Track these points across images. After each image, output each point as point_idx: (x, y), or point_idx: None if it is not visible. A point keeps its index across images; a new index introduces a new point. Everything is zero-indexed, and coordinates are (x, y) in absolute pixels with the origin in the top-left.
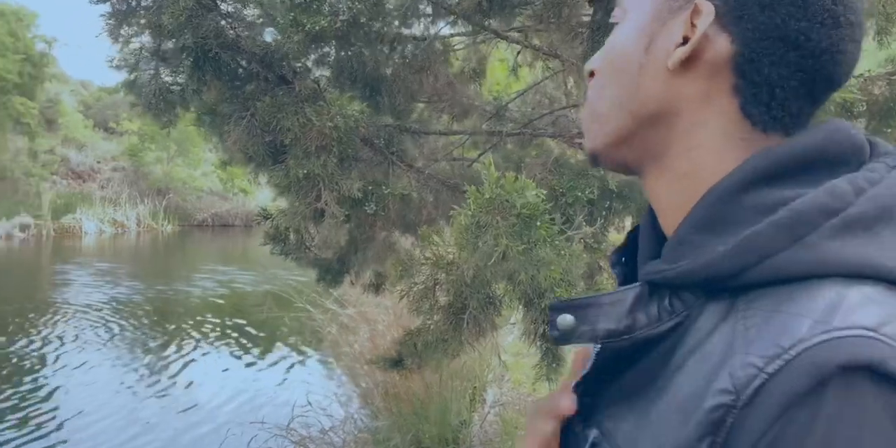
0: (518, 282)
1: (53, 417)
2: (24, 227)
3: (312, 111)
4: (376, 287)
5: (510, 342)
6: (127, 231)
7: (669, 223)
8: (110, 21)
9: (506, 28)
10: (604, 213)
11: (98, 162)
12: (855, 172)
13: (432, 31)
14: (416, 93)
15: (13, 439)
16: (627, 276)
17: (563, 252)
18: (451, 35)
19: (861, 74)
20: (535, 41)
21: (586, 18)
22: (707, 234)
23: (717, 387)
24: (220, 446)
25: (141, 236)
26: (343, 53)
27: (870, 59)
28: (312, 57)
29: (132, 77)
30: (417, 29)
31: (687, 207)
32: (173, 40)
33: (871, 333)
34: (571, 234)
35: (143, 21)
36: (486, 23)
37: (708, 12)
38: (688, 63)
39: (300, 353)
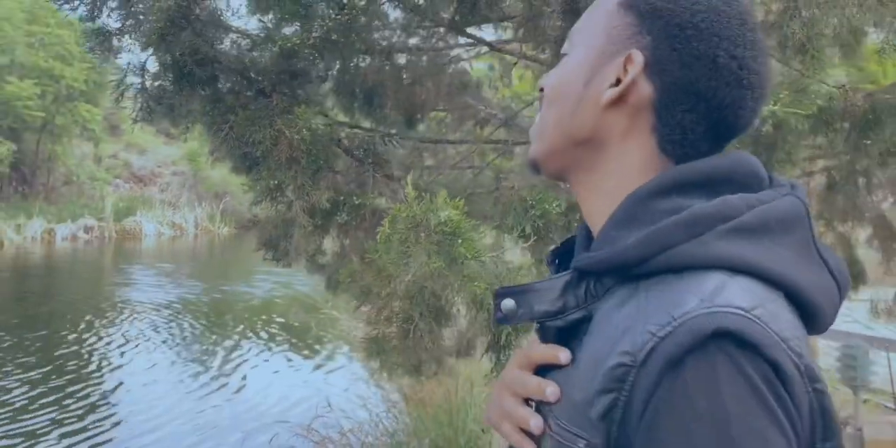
0: (457, 291)
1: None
2: (87, 229)
3: (283, 123)
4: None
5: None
6: (185, 233)
7: (596, 226)
8: (99, 38)
9: (498, 40)
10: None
11: (158, 166)
12: (743, 194)
13: (426, 44)
14: (415, 103)
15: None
16: (560, 272)
17: (496, 266)
18: (443, 48)
19: (843, 86)
20: (528, 52)
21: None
22: (622, 230)
23: (620, 349)
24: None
25: (198, 238)
26: (341, 66)
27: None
28: (317, 69)
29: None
30: (412, 41)
31: (605, 215)
32: (154, 56)
33: (743, 312)
34: (508, 248)
35: (126, 37)
36: (459, 27)
37: (638, 62)
38: (617, 101)
39: (339, 355)
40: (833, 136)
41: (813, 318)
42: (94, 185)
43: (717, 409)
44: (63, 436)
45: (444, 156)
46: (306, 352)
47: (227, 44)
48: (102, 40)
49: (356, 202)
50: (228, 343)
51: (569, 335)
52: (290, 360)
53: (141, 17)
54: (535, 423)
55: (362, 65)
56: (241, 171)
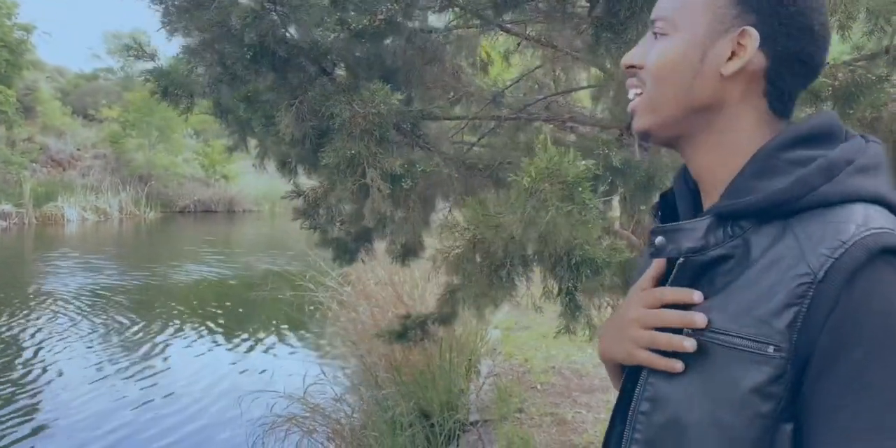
0: (553, 241)
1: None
2: (5, 216)
3: (358, 99)
4: (403, 257)
5: (500, 318)
6: (109, 218)
7: (708, 180)
8: (168, 16)
9: (505, 21)
10: (606, 187)
11: (78, 149)
12: (845, 143)
13: (436, 23)
14: (423, 82)
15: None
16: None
17: (591, 216)
18: (455, 27)
19: (827, 62)
20: (531, 32)
21: (582, 10)
22: (759, 180)
23: (798, 272)
24: (242, 415)
25: (124, 223)
26: (371, 48)
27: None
28: (342, 52)
29: (158, 66)
30: (420, 22)
31: (725, 167)
32: (233, 37)
33: (893, 231)
34: (595, 201)
35: (206, 18)
36: (490, 15)
37: (755, 37)
38: (735, 72)
39: (300, 331)
40: (821, 105)
41: None
42: (10, 169)
43: (892, 306)
44: None
45: (437, 129)
46: (281, 328)
47: (297, 26)
48: (174, 19)
49: (419, 169)
50: (211, 326)
51: (707, 269)
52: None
53: None
54: (689, 343)
55: (393, 46)
56: (302, 145)
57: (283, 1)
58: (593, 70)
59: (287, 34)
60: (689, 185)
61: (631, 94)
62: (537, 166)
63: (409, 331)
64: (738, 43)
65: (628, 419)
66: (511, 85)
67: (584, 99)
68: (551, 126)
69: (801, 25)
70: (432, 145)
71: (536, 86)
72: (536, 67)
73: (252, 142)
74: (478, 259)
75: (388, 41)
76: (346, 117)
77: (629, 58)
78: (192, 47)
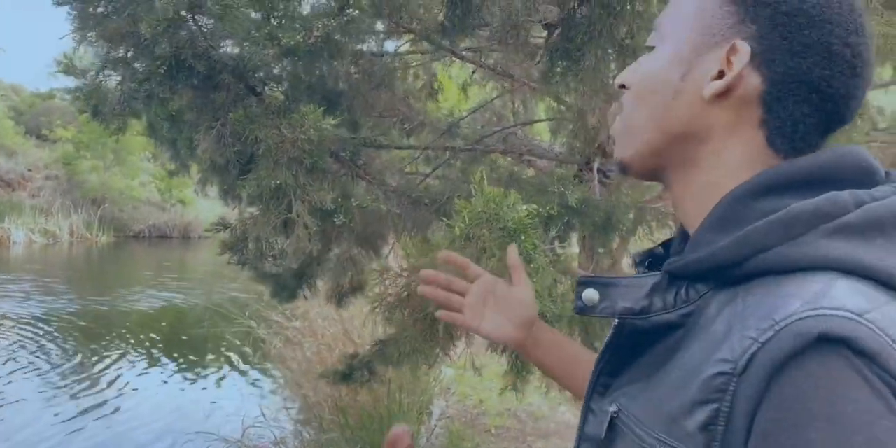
0: None
1: None
2: None
3: (286, 123)
4: (339, 298)
5: (456, 356)
6: (59, 241)
7: (693, 227)
8: (76, 25)
9: (460, 48)
10: (561, 228)
11: (29, 170)
12: (839, 192)
13: (387, 47)
14: (371, 108)
15: None
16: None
17: (539, 266)
18: (408, 52)
19: None
20: (488, 61)
21: (540, 40)
22: (718, 232)
23: (718, 357)
24: None
25: (74, 247)
26: (306, 67)
27: None
28: (275, 70)
29: (85, 83)
30: (372, 45)
31: (701, 213)
32: (145, 48)
33: (855, 316)
34: (545, 248)
35: (112, 27)
36: (444, 42)
37: (745, 52)
38: (721, 95)
39: (243, 367)
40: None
41: None
42: None
43: (834, 414)
44: None
45: (388, 160)
46: (222, 364)
47: (220, 39)
48: (81, 28)
49: (354, 203)
50: (133, 358)
51: (649, 338)
52: (192, 373)
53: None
54: None
55: (334, 68)
56: (228, 173)
57: (203, 10)
58: (551, 102)
59: (210, 48)
60: (685, 233)
61: (617, 119)
62: (472, 210)
63: (355, 371)
64: (728, 59)
65: None
66: (467, 115)
67: (542, 132)
68: (509, 159)
69: (810, 42)
70: (375, 177)
71: (495, 118)
72: (494, 98)
73: (195, 165)
74: (411, 310)
75: (333, 63)
76: (273, 143)
77: (620, 77)
78: (103, 60)
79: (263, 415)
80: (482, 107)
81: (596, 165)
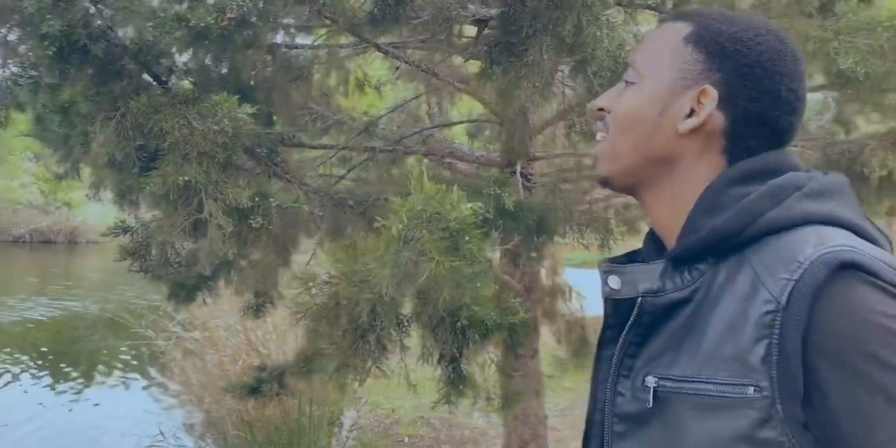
0: (433, 300)
1: None
2: None
3: (196, 113)
4: (257, 308)
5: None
6: None
7: (666, 231)
8: None
9: (384, 43)
10: (500, 233)
11: None
12: (794, 172)
13: (304, 40)
14: (287, 103)
15: None
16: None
17: (480, 270)
18: (326, 45)
19: None
20: (413, 58)
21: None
22: (707, 216)
23: (760, 300)
24: None
25: None
26: (218, 56)
27: None
28: (185, 57)
29: None
30: (286, 38)
31: (678, 218)
32: (31, 27)
33: (856, 249)
34: (485, 252)
35: None
36: (368, 36)
37: (714, 97)
38: (692, 130)
39: (139, 382)
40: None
41: None
42: None
43: (869, 318)
44: None
45: (301, 159)
46: (116, 378)
47: (121, 19)
48: None
49: (273, 203)
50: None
51: (663, 316)
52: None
53: None
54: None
55: (249, 58)
56: (129, 170)
57: None
58: (468, 105)
59: (108, 28)
60: (654, 239)
61: (599, 137)
62: (411, 209)
63: (263, 384)
64: (698, 101)
65: None
66: (386, 114)
67: (459, 135)
68: (428, 161)
69: (765, 89)
70: (293, 176)
71: (410, 119)
72: (415, 97)
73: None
74: (342, 320)
75: (248, 51)
76: (180, 135)
77: (600, 100)
78: None
79: (162, 433)
80: (401, 106)
81: (519, 169)
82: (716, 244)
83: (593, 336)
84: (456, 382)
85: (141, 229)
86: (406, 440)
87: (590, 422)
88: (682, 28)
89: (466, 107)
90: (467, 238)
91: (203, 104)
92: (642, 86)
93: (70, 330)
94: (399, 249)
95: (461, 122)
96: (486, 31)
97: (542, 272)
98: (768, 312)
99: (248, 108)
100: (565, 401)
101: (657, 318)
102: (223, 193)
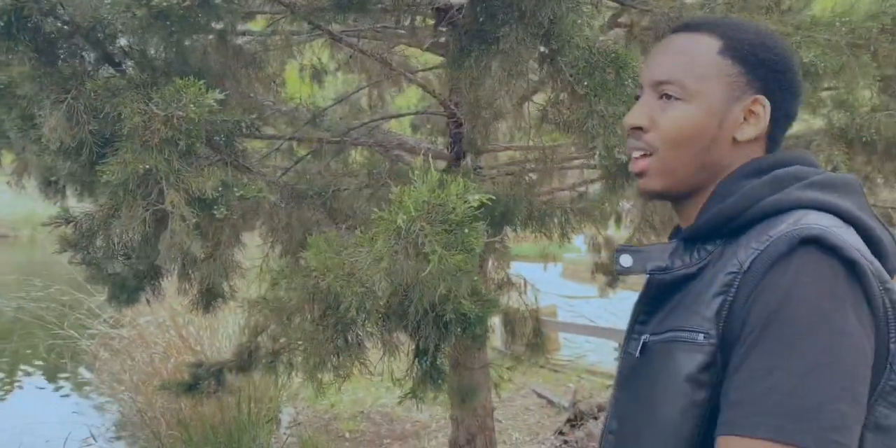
0: (425, 293)
1: None
2: None
3: (159, 98)
4: (207, 303)
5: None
6: None
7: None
8: None
9: (337, 31)
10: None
11: None
12: (804, 166)
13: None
14: (238, 91)
15: None
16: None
17: (473, 265)
18: (274, 33)
19: None
20: (365, 47)
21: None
22: (717, 203)
23: (729, 266)
24: None
25: None
26: (171, 39)
27: None
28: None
29: None
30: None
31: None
32: None
33: (824, 228)
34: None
35: None
36: (322, 23)
37: (767, 105)
38: (753, 137)
39: (64, 384)
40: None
41: (880, 258)
42: None
43: (804, 289)
44: None
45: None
46: (37, 380)
47: None
48: None
49: (237, 193)
50: None
51: (671, 289)
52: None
53: None
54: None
55: (201, 42)
56: (77, 156)
57: None
58: (411, 97)
59: (59, 5)
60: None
61: (636, 154)
62: (416, 199)
63: (201, 381)
64: (750, 110)
65: (599, 439)
66: (333, 105)
67: (402, 126)
68: (374, 153)
69: (794, 90)
70: (252, 165)
71: (354, 110)
72: (359, 89)
73: (7, 154)
74: (316, 314)
75: (208, 35)
76: (140, 121)
77: (634, 119)
78: None
79: (93, 436)
80: (349, 96)
81: (469, 161)
82: (720, 226)
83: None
84: (434, 377)
85: (85, 219)
86: (347, 435)
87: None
88: (711, 42)
89: (407, 99)
90: (467, 230)
91: (167, 88)
92: (692, 102)
93: None
94: (395, 241)
95: (408, 114)
96: (449, 21)
97: (489, 264)
98: (730, 273)
99: (215, 95)
100: (506, 392)
101: (664, 292)
102: (185, 183)
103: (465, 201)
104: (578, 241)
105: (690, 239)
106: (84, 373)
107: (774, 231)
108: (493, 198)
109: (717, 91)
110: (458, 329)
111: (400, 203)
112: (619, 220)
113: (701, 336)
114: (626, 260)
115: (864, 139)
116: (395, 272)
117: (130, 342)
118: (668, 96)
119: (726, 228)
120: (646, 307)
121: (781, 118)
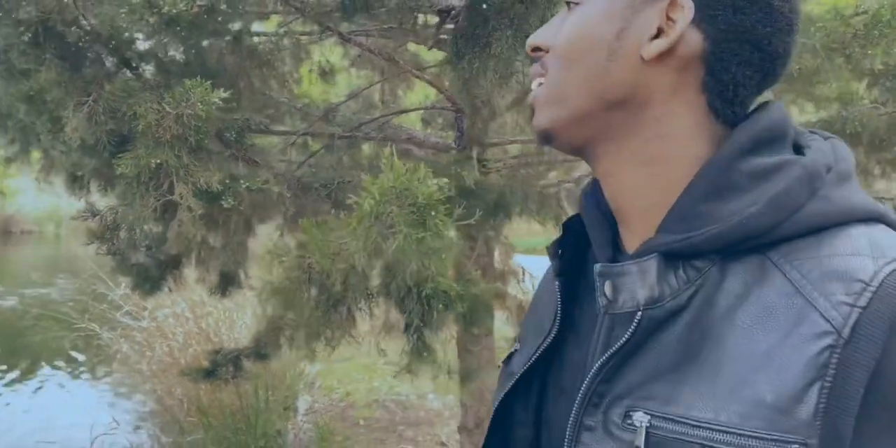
0: (401, 272)
1: None
2: None
3: (170, 98)
4: (223, 289)
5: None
6: None
7: (632, 204)
8: None
9: (344, 31)
10: (462, 210)
11: None
12: (816, 144)
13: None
14: (252, 90)
15: None
16: (564, 267)
17: (444, 244)
18: (287, 33)
19: None
20: (374, 46)
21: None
22: (715, 201)
23: (813, 331)
24: None
25: None
26: (185, 43)
27: None
28: (149, 44)
29: None
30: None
31: (652, 186)
32: (5, 12)
33: None
34: (449, 227)
35: None
36: (331, 24)
37: (689, 8)
38: (661, 55)
39: (87, 374)
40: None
41: None
42: None
43: None
44: None
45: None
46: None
47: (96, 5)
48: None
49: (243, 185)
50: None
51: (660, 328)
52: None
53: None
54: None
55: (216, 44)
56: (96, 153)
57: None
58: (421, 93)
59: (81, 16)
60: (601, 210)
61: (534, 84)
62: (382, 186)
63: (219, 368)
64: (668, 17)
65: None
66: (347, 100)
67: (414, 121)
68: (384, 147)
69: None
70: (262, 159)
71: (366, 106)
72: (373, 84)
73: (36, 152)
74: (313, 292)
75: (218, 38)
76: (153, 119)
77: (535, 37)
78: None
79: (116, 421)
80: (361, 92)
81: (475, 154)
82: (737, 242)
83: None
84: (420, 350)
85: (109, 213)
86: (362, 422)
87: None
88: None
89: (419, 95)
90: (433, 213)
91: (177, 89)
92: (591, 3)
93: (12, 323)
94: (370, 224)
95: (416, 109)
96: (452, 21)
97: (496, 256)
98: (826, 348)
99: (220, 94)
100: None
101: (651, 333)
102: (194, 176)
103: (427, 186)
104: None
105: (675, 253)
106: (107, 363)
107: (866, 274)
108: (446, 182)
109: None
110: (440, 305)
111: (368, 190)
112: None
113: (795, 447)
114: (609, 288)
115: (848, 132)
116: (374, 251)
117: (151, 334)
118: (571, 3)
119: (739, 248)
120: (616, 359)
121: (735, 43)
